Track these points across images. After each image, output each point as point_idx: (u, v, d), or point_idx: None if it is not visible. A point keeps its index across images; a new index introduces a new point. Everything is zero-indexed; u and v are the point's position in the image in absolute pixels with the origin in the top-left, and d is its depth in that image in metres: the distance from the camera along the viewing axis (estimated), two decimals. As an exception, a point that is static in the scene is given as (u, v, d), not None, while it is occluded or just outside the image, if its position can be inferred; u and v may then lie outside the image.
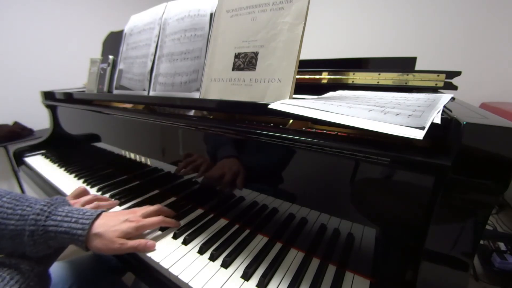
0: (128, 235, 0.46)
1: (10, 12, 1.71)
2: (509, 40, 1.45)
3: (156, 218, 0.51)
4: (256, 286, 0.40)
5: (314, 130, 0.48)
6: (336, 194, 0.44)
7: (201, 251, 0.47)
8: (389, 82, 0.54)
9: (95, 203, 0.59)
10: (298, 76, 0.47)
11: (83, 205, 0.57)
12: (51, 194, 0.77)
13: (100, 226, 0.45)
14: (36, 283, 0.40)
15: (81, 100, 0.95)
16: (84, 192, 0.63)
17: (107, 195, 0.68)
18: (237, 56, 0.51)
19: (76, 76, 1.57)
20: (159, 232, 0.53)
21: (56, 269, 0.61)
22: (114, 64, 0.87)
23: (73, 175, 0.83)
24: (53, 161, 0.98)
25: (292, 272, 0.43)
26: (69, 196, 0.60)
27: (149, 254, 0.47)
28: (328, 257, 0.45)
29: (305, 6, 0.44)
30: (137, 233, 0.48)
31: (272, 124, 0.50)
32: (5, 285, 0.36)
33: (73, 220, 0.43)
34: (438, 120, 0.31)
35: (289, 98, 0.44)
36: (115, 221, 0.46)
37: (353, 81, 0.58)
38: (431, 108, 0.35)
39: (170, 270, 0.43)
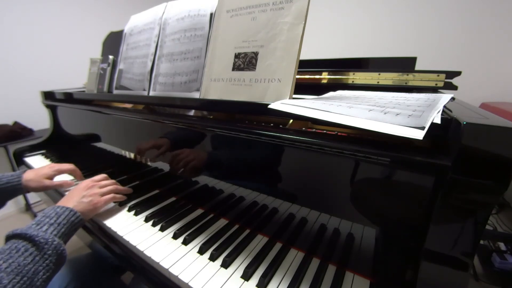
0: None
1: (10, 12, 1.71)
2: (509, 40, 1.45)
3: (109, 188, 0.61)
4: (256, 286, 0.40)
5: (314, 130, 0.48)
6: (336, 194, 0.44)
7: (201, 251, 0.47)
8: (389, 82, 0.54)
9: (114, 186, 0.63)
10: (298, 76, 0.47)
11: (102, 187, 0.60)
12: (51, 194, 0.77)
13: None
14: (51, 256, 0.41)
15: (81, 100, 0.95)
16: (104, 179, 0.66)
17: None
18: (237, 56, 0.51)
19: (76, 76, 1.57)
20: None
21: None
22: (114, 64, 0.87)
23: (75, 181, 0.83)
24: (53, 161, 0.98)
25: (292, 272, 0.43)
26: (88, 181, 0.62)
27: (149, 254, 0.47)
28: (328, 257, 0.45)
29: (305, 6, 0.44)
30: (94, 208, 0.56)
31: (272, 124, 0.50)
32: (19, 256, 0.38)
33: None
34: (438, 120, 0.31)
35: (289, 98, 0.44)
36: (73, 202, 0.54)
37: (353, 81, 0.58)
38: (431, 108, 0.35)
39: (170, 270, 0.43)
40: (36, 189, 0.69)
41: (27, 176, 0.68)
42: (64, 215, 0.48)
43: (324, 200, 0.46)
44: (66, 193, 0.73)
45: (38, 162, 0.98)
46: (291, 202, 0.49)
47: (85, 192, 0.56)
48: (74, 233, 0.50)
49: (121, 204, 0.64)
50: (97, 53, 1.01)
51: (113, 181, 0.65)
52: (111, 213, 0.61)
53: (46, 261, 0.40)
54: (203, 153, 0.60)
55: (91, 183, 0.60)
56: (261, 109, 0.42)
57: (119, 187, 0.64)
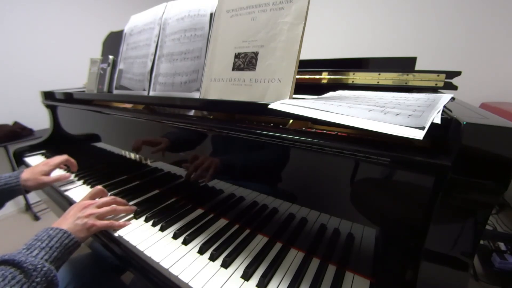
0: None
1: (10, 12, 1.71)
2: (509, 40, 1.45)
3: (108, 208, 0.56)
4: (256, 286, 0.40)
5: (314, 130, 0.48)
6: (336, 194, 0.44)
7: (201, 251, 0.47)
8: (389, 82, 0.54)
9: (112, 207, 0.57)
10: (298, 76, 0.47)
11: (99, 206, 0.55)
12: (51, 194, 0.77)
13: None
14: (39, 284, 0.39)
15: (81, 100, 0.95)
16: (101, 193, 0.62)
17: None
18: (237, 56, 0.51)
19: (76, 76, 1.57)
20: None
21: None
22: (114, 64, 0.87)
23: (73, 175, 0.83)
24: (53, 161, 0.98)
25: (292, 272, 0.43)
26: (85, 197, 0.59)
27: (149, 254, 0.47)
28: (328, 257, 0.45)
29: (305, 6, 0.44)
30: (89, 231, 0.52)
31: (272, 124, 0.50)
32: (5, 284, 0.36)
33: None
34: (438, 120, 0.31)
35: (289, 98, 0.44)
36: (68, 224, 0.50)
37: (353, 81, 0.58)
38: (431, 108, 0.35)
39: (170, 270, 0.43)
40: (34, 188, 0.70)
41: (24, 176, 0.68)
42: (57, 237, 0.45)
43: (324, 200, 0.46)
44: (62, 188, 0.73)
45: (38, 162, 0.98)
46: (291, 202, 0.49)
47: (80, 213, 0.52)
48: (69, 256, 0.47)
49: (121, 204, 0.64)
50: (97, 53, 1.01)
51: (112, 198, 0.59)
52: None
53: None
54: (204, 153, 0.60)
55: (87, 202, 0.56)
56: (261, 109, 0.42)
57: (118, 207, 0.58)
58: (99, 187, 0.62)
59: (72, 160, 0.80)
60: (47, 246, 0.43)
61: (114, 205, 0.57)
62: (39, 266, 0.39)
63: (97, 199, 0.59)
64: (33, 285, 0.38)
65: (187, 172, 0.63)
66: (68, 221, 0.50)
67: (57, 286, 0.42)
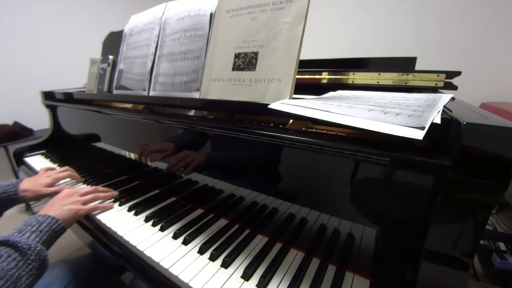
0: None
1: (10, 12, 1.71)
2: (509, 40, 1.45)
3: (91, 196, 0.62)
4: (256, 286, 0.40)
5: (314, 130, 0.48)
6: (336, 194, 0.44)
7: (201, 251, 0.47)
8: (389, 82, 0.54)
9: (93, 195, 0.62)
10: (298, 76, 0.47)
11: (82, 195, 0.61)
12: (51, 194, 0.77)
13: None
14: (33, 261, 0.41)
15: (81, 100, 0.95)
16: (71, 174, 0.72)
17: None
18: (237, 56, 0.51)
19: (76, 76, 1.57)
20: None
21: (54, 268, 0.61)
22: (114, 64, 0.87)
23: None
24: (53, 161, 0.98)
25: (292, 272, 0.43)
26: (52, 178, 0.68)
27: (149, 254, 0.47)
28: (328, 257, 0.45)
29: (305, 6, 0.44)
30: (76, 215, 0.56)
31: (272, 124, 0.50)
32: (3, 261, 0.38)
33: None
34: (438, 120, 0.31)
35: (289, 98, 0.44)
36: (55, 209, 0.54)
37: (353, 81, 0.58)
38: (431, 108, 0.35)
39: (170, 270, 0.43)
40: (32, 199, 0.68)
41: (24, 186, 0.66)
42: (46, 223, 0.48)
43: (324, 200, 0.46)
44: None
45: (38, 162, 0.98)
46: (291, 202, 0.49)
47: (66, 200, 0.57)
48: (55, 241, 0.50)
49: (121, 204, 0.64)
50: (97, 53, 1.01)
51: (94, 187, 0.65)
52: (111, 213, 0.60)
53: (29, 266, 0.41)
54: (203, 153, 0.60)
55: (71, 191, 0.61)
56: (261, 109, 0.42)
57: (100, 194, 0.64)
58: (66, 167, 0.73)
59: (76, 174, 0.78)
60: (37, 230, 0.46)
61: (96, 193, 0.63)
62: (32, 246, 0.42)
63: (80, 188, 0.64)
64: (28, 262, 0.41)
65: (170, 166, 0.65)
66: (54, 208, 0.54)
67: (47, 266, 0.45)
